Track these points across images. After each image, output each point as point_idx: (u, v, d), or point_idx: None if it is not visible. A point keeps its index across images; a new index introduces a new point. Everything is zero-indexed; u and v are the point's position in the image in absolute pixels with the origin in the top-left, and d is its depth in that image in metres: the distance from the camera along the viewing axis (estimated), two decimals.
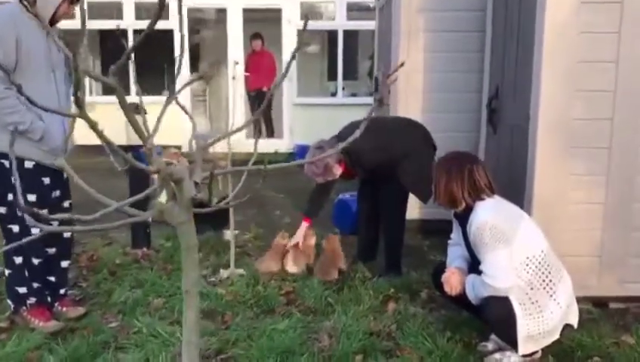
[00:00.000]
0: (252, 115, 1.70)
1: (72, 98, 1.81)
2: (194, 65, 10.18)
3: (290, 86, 9.67)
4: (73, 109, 2.60)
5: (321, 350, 2.72)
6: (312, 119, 9.02)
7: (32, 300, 2.95)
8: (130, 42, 1.18)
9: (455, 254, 2.79)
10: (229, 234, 4.16)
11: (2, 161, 2.76)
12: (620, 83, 3.04)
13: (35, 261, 2.92)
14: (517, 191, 3.21)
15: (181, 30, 1.57)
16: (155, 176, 1.53)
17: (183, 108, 1.70)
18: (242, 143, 5.58)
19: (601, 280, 3.19)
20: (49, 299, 3.04)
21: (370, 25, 7.43)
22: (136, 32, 9.04)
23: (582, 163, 3.11)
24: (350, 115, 3.90)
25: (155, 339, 2.78)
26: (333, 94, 10.52)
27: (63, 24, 2.91)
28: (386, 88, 4.69)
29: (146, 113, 1.53)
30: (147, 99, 1.92)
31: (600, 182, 3.12)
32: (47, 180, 2.88)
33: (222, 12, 9.81)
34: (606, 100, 3.06)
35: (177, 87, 1.61)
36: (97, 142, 1.31)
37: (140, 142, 1.36)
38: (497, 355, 2.61)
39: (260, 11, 9.59)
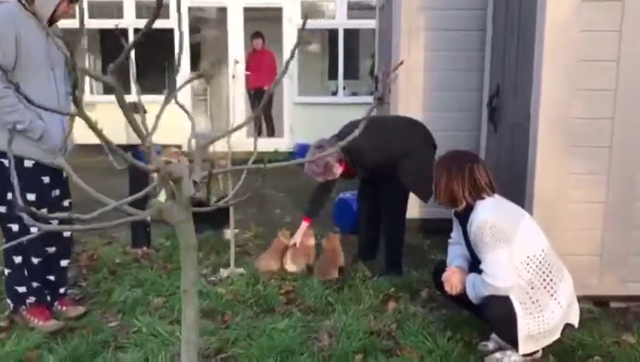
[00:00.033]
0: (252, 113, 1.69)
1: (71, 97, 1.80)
2: (195, 64, 10.18)
3: (290, 85, 9.67)
4: (73, 108, 2.59)
5: (321, 349, 2.71)
6: (313, 118, 9.02)
7: (31, 299, 2.95)
8: (131, 41, 1.18)
9: (455, 253, 2.79)
10: (229, 233, 4.16)
11: (1, 160, 2.76)
12: (621, 82, 3.03)
13: (35, 260, 2.91)
14: (517, 190, 3.21)
15: (180, 28, 1.56)
16: (155, 175, 1.53)
17: (182, 107, 1.69)
18: (242, 142, 5.57)
19: (601, 279, 3.19)
20: (49, 298, 3.04)
21: (371, 24, 7.41)
22: (136, 30, 9.03)
23: (582, 162, 3.10)
24: (351, 115, 3.89)
25: (155, 338, 2.78)
26: (334, 93, 10.50)
27: (63, 23, 2.91)
28: (387, 87, 4.68)
29: (145, 112, 1.53)
30: (147, 98, 1.91)
31: (601, 181, 3.12)
32: (46, 179, 2.88)
33: (222, 11, 9.80)
34: (607, 99, 3.06)
35: (177, 85, 1.61)
36: (96, 141, 1.31)
37: (140, 141, 1.36)
38: (498, 354, 2.60)
39: (261, 10, 9.59)
